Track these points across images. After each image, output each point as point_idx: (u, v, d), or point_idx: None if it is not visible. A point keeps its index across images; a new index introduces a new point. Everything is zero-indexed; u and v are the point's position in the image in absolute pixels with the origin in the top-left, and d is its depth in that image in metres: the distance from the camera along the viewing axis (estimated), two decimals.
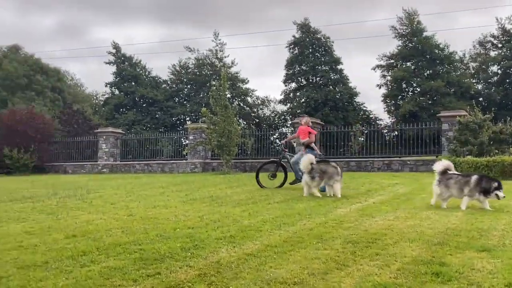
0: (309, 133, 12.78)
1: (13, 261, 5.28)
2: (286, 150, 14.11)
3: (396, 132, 32.50)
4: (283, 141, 14.57)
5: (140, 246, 5.78)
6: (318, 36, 41.61)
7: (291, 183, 12.95)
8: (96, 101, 52.03)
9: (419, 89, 40.05)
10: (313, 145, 12.69)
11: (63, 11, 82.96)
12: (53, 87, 46.55)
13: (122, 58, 42.03)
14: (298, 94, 41.86)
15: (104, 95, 46.68)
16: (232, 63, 41.92)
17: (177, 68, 43.13)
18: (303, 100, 40.83)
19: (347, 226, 6.87)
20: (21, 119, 26.57)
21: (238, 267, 4.84)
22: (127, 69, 41.51)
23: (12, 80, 43.71)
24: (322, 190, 11.14)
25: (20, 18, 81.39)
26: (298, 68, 41.88)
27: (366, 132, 23.80)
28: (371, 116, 42.35)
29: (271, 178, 13.16)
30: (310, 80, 41.60)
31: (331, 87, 40.97)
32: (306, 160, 11.09)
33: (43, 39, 79.45)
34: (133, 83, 41.27)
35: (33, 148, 26.03)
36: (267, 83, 77.23)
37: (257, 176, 13.11)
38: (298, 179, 12.68)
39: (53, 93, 45.98)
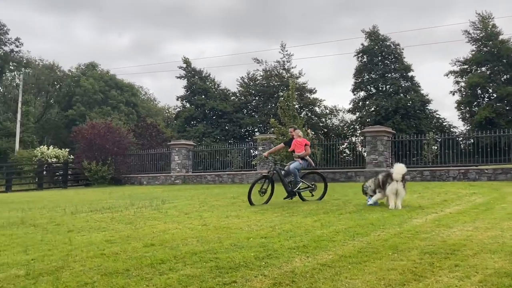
0: (305, 145, 12.25)
1: (97, 268, 5.53)
2: (278, 163, 12.86)
3: (472, 140, 31.22)
4: (265, 153, 12.97)
5: (215, 255, 5.90)
6: (387, 43, 40.88)
7: (285, 198, 12.20)
8: (168, 114, 53.63)
9: (495, 95, 38.35)
10: (307, 157, 12.25)
11: (138, 30, 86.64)
12: (127, 101, 48.50)
13: (193, 72, 43.13)
14: (367, 102, 41.24)
15: (176, 108, 48.05)
16: (300, 73, 42.01)
17: (246, 80, 43.73)
18: (372, 108, 40.18)
19: (424, 236, 6.68)
20: (99, 133, 27.83)
21: (313, 277, 4.84)
22: (197, 82, 42.54)
23: (90, 96, 45.95)
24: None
25: (98, 37, 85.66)
26: (367, 76, 41.29)
27: (439, 140, 23.05)
28: (444, 123, 40.98)
29: (262, 194, 11.84)
30: (380, 88, 40.88)
31: (401, 94, 40.05)
32: (401, 167, 10.13)
33: (119, 56, 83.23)
34: (203, 96, 42.22)
35: (110, 160, 27.18)
36: (336, 93, 76.73)
37: (249, 193, 11.71)
38: (290, 194, 12.14)
39: (127, 107, 47.89)
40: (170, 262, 5.68)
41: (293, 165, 12.06)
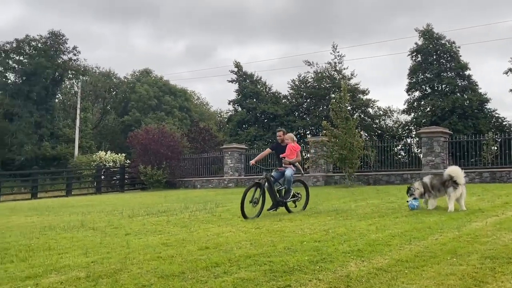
0: (296, 151, 11.29)
1: (154, 271, 5.65)
2: (269, 169, 11.34)
3: None
4: (252, 162, 11.41)
5: (269, 258, 5.90)
6: (442, 41, 39.75)
7: (269, 209, 10.81)
8: (220, 118, 54.20)
9: None
10: (297, 164, 11.38)
11: (192, 36, 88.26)
12: (180, 106, 49.38)
13: (244, 76, 43.40)
14: (422, 103, 40.18)
15: (228, 112, 48.49)
16: (352, 74, 41.45)
17: (296, 82, 43.60)
18: (428, 109, 39.13)
19: (484, 240, 6.45)
20: (153, 138, 28.45)
21: (368, 282, 4.76)
22: (248, 86, 42.77)
23: (144, 102, 47.08)
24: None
25: (153, 44, 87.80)
26: (422, 76, 40.23)
27: (499, 140, 22.21)
28: (504, 123, 39.39)
29: (254, 205, 10.39)
30: (435, 88, 39.76)
31: (458, 94, 38.79)
32: (459, 171, 9.73)
33: (173, 63, 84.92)
34: (254, 100, 42.40)
35: (165, 164, 27.75)
36: (389, 93, 75.34)
37: (242, 205, 10.16)
38: (277, 204, 10.90)
39: (181, 112, 48.76)
40: (224, 265, 5.72)
41: (289, 172, 10.92)
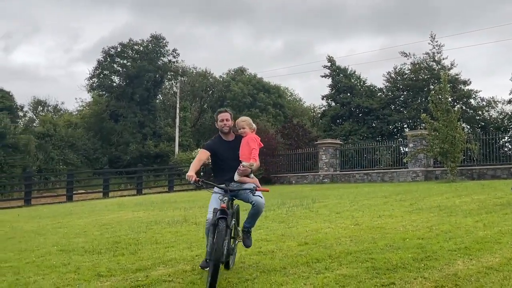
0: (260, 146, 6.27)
1: (255, 265, 5.78)
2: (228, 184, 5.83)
3: None
4: (190, 174, 5.72)
5: (371, 255, 5.82)
6: None
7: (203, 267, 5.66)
8: (314, 114, 53.99)
9: None
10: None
11: (288, 33, 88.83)
12: (274, 103, 49.78)
13: (337, 71, 42.93)
14: None
15: (321, 107, 48.16)
16: (452, 64, 39.54)
17: (392, 75, 42.37)
18: None
19: None
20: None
21: (478, 281, 4.55)
22: (342, 80, 42.24)
23: (239, 100, 48.00)
24: None
25: (250, 43, 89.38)
26: None
27: None
28: None
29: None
30: None
31: None
32: None
33: (269, 60, 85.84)
34: (348, 94, 41.80)
35: (260, 160, 28.12)
36: (493, 83, 71.08)
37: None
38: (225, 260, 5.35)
39: (274, 109, 49.16)
40: (325, 261, 5.73)
41: (259, 194, 5.81)
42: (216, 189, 5.80)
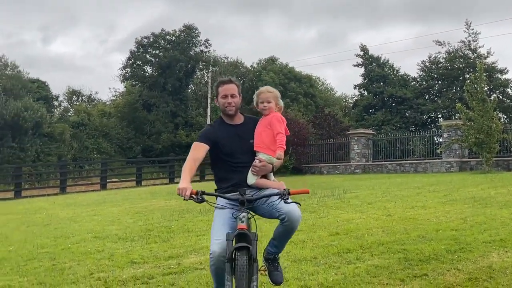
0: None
1: (287, 255, 5.78)
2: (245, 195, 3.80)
3: None
4: (183, 186, 3.65)
5: (403, 246, 5.75)
6: None
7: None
8: (346, 103, 53.53)
9: None
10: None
11: (323, 23, 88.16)
12: (305, 93, 49.51)
13: (370, 60, 42.41)
14: None
15: (353, 97, 47.71)
16: (488, 53, 38.59)
17: (427, 63, 41.62)
18: None
19: None
20: None
21: None
22: (375, 70, 41.74)
23: None
24: None
25: (284, 33, 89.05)
26: None
27: None
28: None
29: None
30: None
31: None
32: None
33: (302, 50, 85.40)
34: (381, 83, 41.28)
35: (291, 150, 28.08)
36: None
37: None
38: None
39: (306, 98, 48.90)
40: (356, 251, 5.69)
41: (293, 208, 3.75)
42: (224, 201, 3.78)
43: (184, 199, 3.60)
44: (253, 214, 3.83)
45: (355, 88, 44.12)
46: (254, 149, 3.97)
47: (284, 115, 4.13)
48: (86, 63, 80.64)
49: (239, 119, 4.16)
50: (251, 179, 3.93)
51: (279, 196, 3.60)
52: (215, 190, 4.02)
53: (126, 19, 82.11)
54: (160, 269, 5.61)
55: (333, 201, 11.10)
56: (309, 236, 6.82)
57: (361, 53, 42.60)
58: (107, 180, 27.42)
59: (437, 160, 23.11)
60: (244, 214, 3.53)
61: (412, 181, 15.64)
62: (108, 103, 49.26)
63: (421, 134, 27.78)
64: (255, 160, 3.91)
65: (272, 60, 52.95)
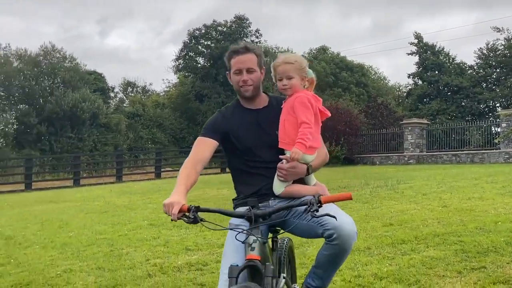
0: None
1: None
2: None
3: None
4: (170, 203, 2.62)
5: (459, 238, 5.62)
6: None
7: None
8: (399, 92, 52.45)
9: None
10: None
11: (377, 11, 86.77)
12: (357, 82, 48.84)
13: (424, 48, 41.29)
14: None
15: (407, 86, 46.69)
16: None
17: (484, 51, 40.13)
18: None
19: None
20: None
21: None
22: (429, 58, 40.62)
23: (321, 79, 47.51)
24: None
25: (336, 22, 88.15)
26: None
27: None
28: None
29: None
30: None
31: None
32: None
33: (356, 39, 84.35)
34: (436, 72, 40.15)
35: (342, 141, 27.82)
36: None
37: None
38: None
39: (358, 88, 48.25)
40: (411, 242, 5.61)
41: (343, 219, 2.72)
42: (237, 220, 2.80)
43: (171, 219, 2.53)
44: (279, 229, 2.89)
45: (409, 77, 43.10)
46: (280, 146, 2.87)
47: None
48: (140, 55, 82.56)
49: (262, 102, 3.08)
50: (278, 186, 2.87)
51: (306, 206, 2.43)
52: (233, 199, 3.09)
53: (181, 11, 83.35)
54: (214, 256, 5.72)
55: (386, 191, 10.94)
56: (362, 226, 6.76)
57: (415, 41, 41.53)
58: (161, 170, 28.06)
59: (494, 150, 22.34)
60: (253, 238, 2.47)
61: (468, 172, 15.19)
62: (161, 94, 50.27)
63: (478, 124, 26.89)
64: (283, 160, 2.81)
65: (323, 50, 52.48)
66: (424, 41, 41.49)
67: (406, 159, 25.61)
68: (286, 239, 3.22)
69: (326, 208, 2.52)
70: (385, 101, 37.02)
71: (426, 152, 25.67)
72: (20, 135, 35.42)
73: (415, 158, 25.25)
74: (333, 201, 2.50)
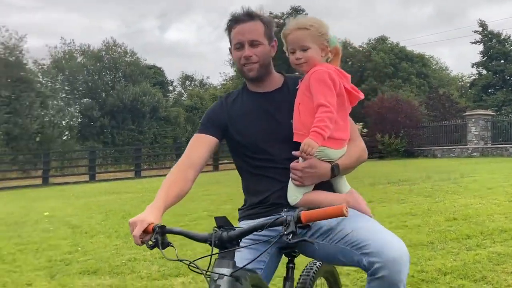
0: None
1: (402, 239, 5.63)
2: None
3: None
4: (135, 222, 1.95)
5: None
6: None
7: None
8: (462, 83, 50.73)
9: None
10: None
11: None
12: (418, 72, 47.59)
13: (489, 36, 39.67)
14: None
15: (470, 76, 45.09)
16: None
17: None
18: None
19: None
20: (389, 106, 28.00)
21: None
22: (495, 46, 39.00)
23: (380, 70, 46.63)
24: None
25: (398, 10, 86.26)
26: None
27: None
28: None
29: None
30: None
31: None
32: None
33: (416, 28, 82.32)
34: (502, 61, 38.52)
35: (402, 133, 27.21)
36: None
37: None
38: None
39: (418, 78, 47.02)
40: (476, 237, 5.43)
41: (390, 236, 2.08)
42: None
43: (134, 242, 1.93)
44: (296, 255, 2.21)
45: (472, 66, 41.60)
46: (294, 139, 2.13)
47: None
48: (198, 49, 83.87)
49: (275, 83, 2.38)
50: (294, 193, 2.14)
51: (280, 230, 1.70)
52: (238, 209, 2.42)
53: (239, 4, 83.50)
54: None
55: (449, 185, 10.62)
56: (425, 220, 6.61)
57: (480, 29, 39.97)
58: (219, 162, 28.42)
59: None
60: (217, 276, 1.75)
61: None
62: (218, 87, 50.86)
63: None
64: (299, 158, 2.12)
65: (382, 40, 51.41)
66: (488, 29, 39.85)
67: (469, 151, 24.75)
68: (316, 263, 2.38)
69: (363, 220, 1.98)
70: (447, 92, 35.87)
71: (491, 145, 24.70)
72: (84, 128, 36.85)
73: (479, 150, 24.36)
74: (318, 219, 1.67)
